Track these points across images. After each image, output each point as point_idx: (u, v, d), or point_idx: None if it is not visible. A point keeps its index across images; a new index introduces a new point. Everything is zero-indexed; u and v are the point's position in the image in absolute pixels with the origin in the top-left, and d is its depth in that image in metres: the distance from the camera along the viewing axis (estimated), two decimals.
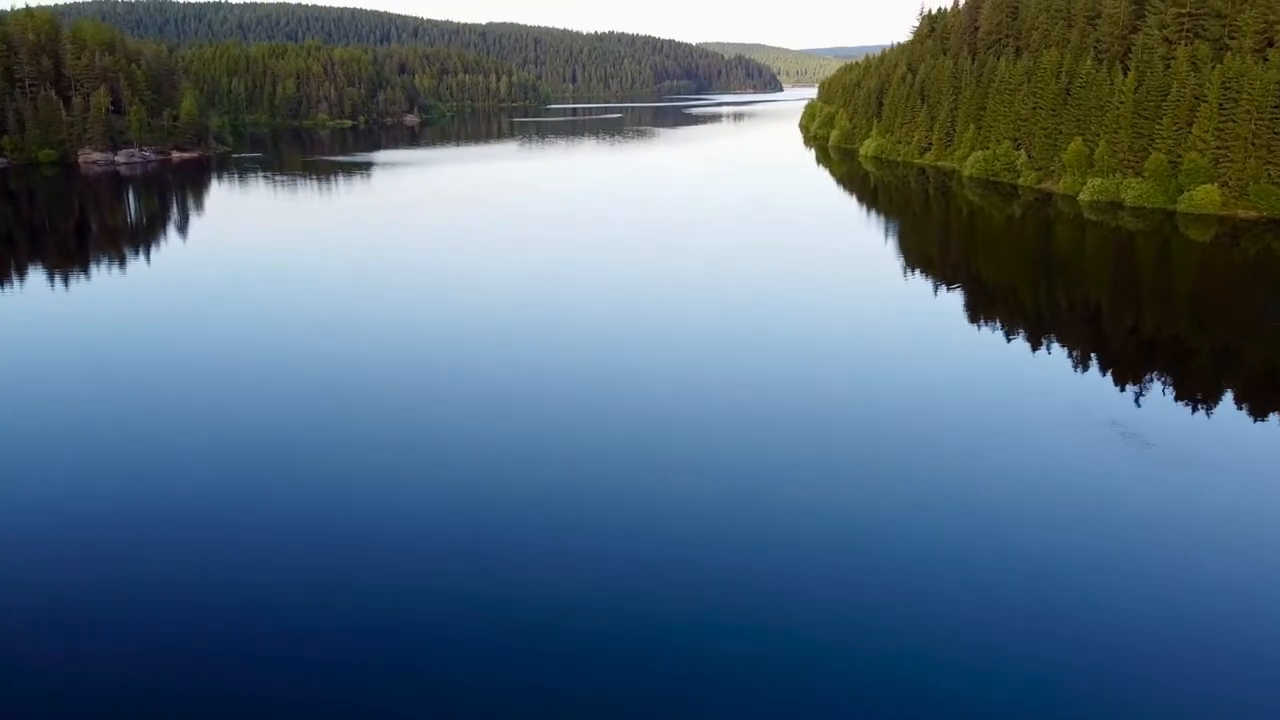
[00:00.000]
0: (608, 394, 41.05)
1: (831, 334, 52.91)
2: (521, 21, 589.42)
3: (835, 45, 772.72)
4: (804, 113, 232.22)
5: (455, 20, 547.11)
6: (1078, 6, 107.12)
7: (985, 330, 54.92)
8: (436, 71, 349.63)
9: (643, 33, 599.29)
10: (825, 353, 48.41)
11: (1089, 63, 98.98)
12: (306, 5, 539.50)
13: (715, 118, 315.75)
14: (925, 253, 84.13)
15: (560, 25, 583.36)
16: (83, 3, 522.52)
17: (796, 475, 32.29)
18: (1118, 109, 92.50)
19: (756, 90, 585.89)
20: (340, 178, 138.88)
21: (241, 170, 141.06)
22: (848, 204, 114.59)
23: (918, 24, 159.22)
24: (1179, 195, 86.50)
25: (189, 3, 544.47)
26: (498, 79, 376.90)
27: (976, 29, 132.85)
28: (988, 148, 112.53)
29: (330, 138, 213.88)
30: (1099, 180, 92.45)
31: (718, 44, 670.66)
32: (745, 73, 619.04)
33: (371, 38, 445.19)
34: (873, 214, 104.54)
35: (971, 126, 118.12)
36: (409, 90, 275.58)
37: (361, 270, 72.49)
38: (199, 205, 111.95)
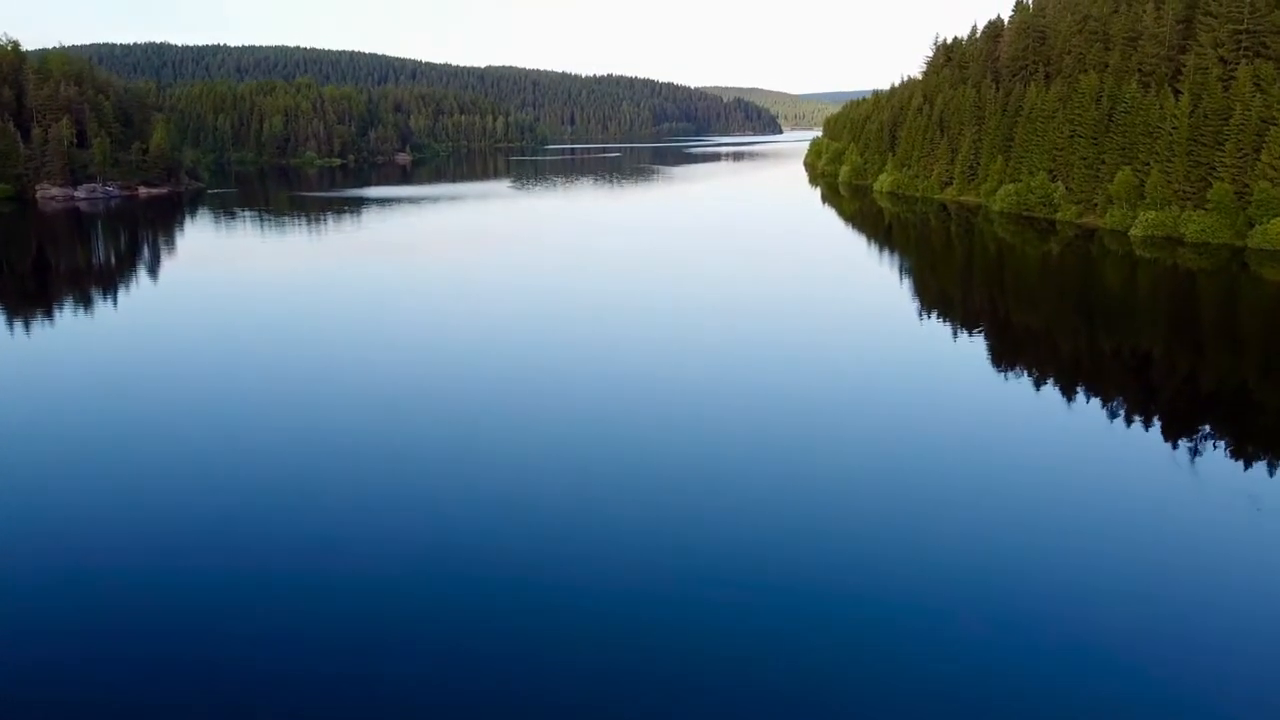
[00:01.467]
0: (614, 422, 38.32)
1: (842, 373, 46.75)
2: (520, 65, 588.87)
3: (834, 90, 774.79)
4: (809, 150, 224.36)
5: (454, 64, 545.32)
6: (1116, 28, 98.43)
7: (1012, 377, 47.29)
8: (432, 112, 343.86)
9: (641, 75, 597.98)
10: (835, 394, 42.98)
11: (1134, 86, 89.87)
12: (305, 48, 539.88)
13: (716, 157, 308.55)
14: (945, 293, 74.50)
15: (559, 69, 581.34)
16: (81, 45, 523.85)
17: (802, 526, 28.51)
18: (1170, 135, 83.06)
19: (756, 132, 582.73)
20: (315, 214, 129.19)
21: (213, 207, 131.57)
22: (861, 241, 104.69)
23: (931, 54, 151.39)
24: (1249, 229, 76.59)
25: (187, 46, 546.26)
26: (494, 119, 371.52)
27: (997, 57, 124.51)
28: (1019, 180, 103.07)
29: (317, 176, 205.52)
30: (1154, 213, 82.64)
31: (716, 88, 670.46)
32: (744, 115, 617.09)
33: (369, 80, 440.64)
34: (887, 252, 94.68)
35: (999, 158, 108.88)
36: (401, 128, 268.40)
37: (336, 308, 62.59)
38: (151, 245, 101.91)
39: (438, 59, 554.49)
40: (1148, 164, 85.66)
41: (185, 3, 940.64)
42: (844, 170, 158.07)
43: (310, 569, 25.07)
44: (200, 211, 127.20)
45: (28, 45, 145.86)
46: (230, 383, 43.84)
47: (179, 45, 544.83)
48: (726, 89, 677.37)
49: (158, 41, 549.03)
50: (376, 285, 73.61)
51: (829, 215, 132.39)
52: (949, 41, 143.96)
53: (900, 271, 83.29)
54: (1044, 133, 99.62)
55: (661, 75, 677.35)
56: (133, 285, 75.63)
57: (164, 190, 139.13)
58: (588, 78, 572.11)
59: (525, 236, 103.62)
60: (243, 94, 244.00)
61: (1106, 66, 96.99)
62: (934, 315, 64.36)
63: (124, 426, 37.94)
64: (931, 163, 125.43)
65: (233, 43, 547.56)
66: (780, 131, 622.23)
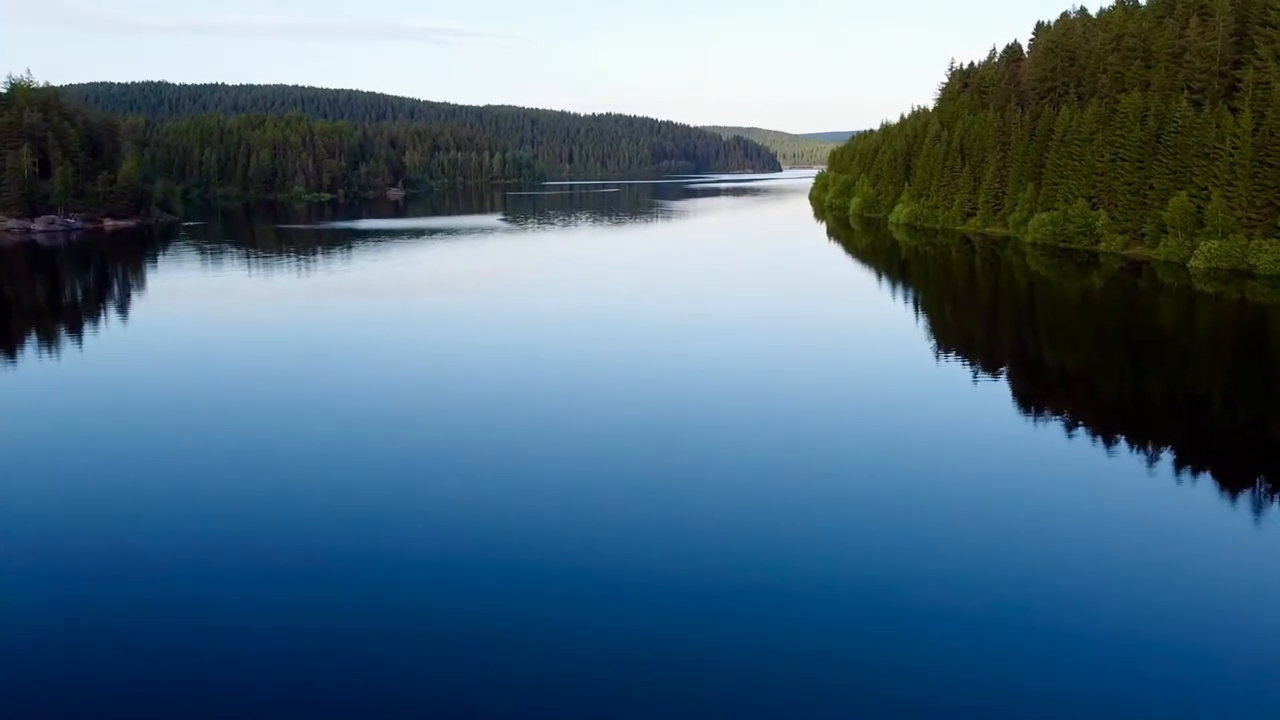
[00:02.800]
0: (621, 451, 35.72)
1: (854, 411, 42.08)
2: (519, 104, 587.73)
3: (831, 130, 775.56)
4: (815, 184, 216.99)
5: (452, 102, 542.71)
6: (1157, 44, 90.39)
7: (1042, 421, 41.37)
8: (428, 148, 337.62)
9: (641, 114, 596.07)
10: (846, 432, 38.69)
11: (1184, 104, 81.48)
12: (302, 87, 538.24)
13: (716, 193, 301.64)
14: (968, 331, 66.01)
15: (558, 108, 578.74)
16: (77, 84, 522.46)
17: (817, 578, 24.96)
18: (1231, 156, 74.44)
19: (755, 170, 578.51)
20: (289, 248, 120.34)
21: (182, 241, 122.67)
22: (876, 276, 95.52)
23: (946, 80, 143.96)
24: None
25: (183, 84, 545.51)
26: (491, 155, 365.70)
27: (1018, 80, 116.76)
28: (1054, 208, 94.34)
29: (305, 210, 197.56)
30: (1216, 243, 73.64)
31: (715, 127, 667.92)
32: (744, 153, 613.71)
33: (367, 118, 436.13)
34: (904, 287, 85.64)
35: (1029, 185, 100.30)
36: (394, 163, 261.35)
37: (303, 345, 53.46)
38: (99, 281, 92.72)
39: (436, 98, 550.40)
40: (1205, 188, 76.90)
41: (183, 44, 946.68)
42: (855, 202, 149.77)
43: (310, 611, 23.04)
44: (168, 246, 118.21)
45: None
46: (191, 436, 37.19)
47: (175, 84, 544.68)
48: (725, 128, 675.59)
49: (154, 80, 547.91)
50: (343, 329, 64.17)
51: (841, 249, 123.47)
52: (965, 67, 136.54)
53: (918, 307, 74.65)
54: (1081, 157, 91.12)
55: (661, 114, 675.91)
56: (68, 325, 66.16)
57: (131, 223, 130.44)
58: (586, 116, 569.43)
59: (510, 276, 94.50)
60: (231, 128, 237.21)
61: (1149, 85, 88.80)
62: (955, 354, 56.47)
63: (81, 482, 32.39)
64: (952, 192, 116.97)
65: (230, 82, 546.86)
66: (780, 169, 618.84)
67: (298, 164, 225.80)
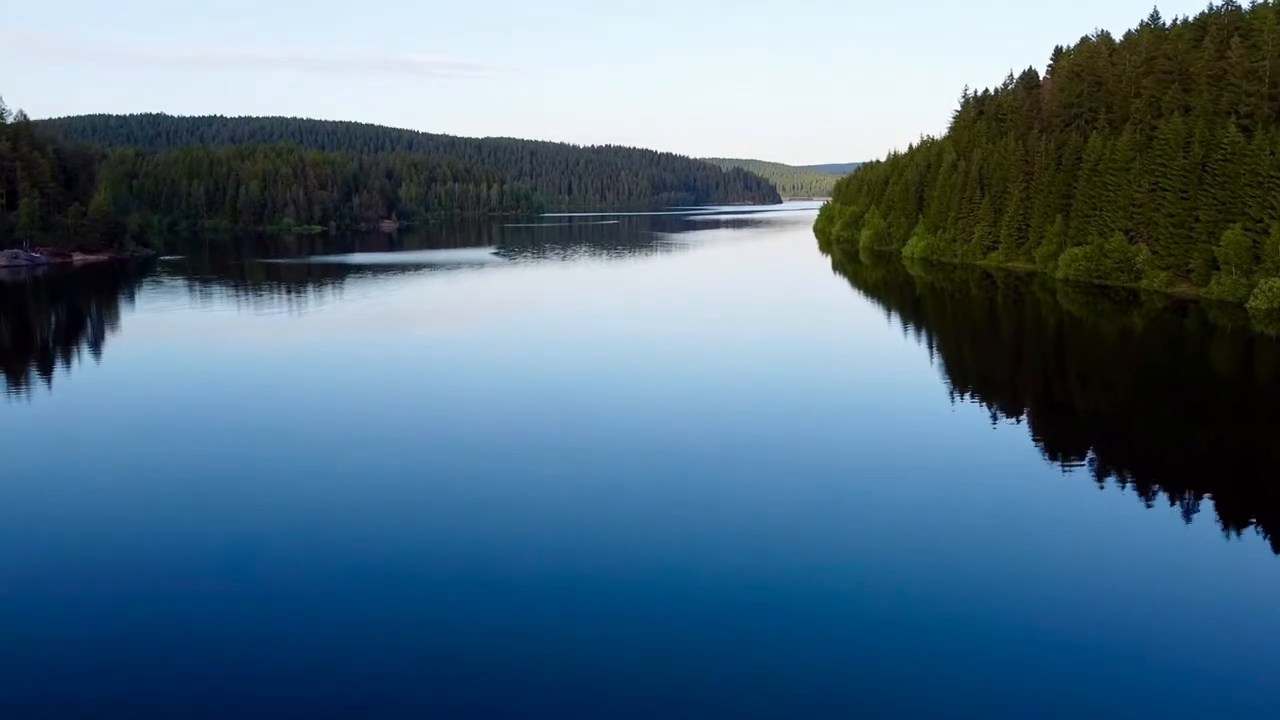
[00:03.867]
0: (631, 486, 33.51)
1: (866, 450, 38.99)
2: (519, 136, 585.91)
3: (830, 162, 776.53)
4: (820, 216, 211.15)
5: (452, 134, 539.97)
6: (1197, 65, 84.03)
7: (1070, 467, 37.16)
8: (425, 179, 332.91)
9: (640, 146, 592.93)
10: (852, 473, 35.73)
11: (1232, 130, 74.87)
12: (301, 119, 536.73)
13: (717, 225, 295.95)
14: (987, 371, 59.89)
15: (558, 140, 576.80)
16: (76, 116, 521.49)
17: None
18: None
19: (755, 202, 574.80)
20: (270, 283, 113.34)
21: (157, 276, 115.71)
22: (889, 314, 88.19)
23: (959, 108, 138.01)
24: None
25: (182, 116, 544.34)
26: (489, 187, 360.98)
27: (1038, 107, 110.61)
28: (1086, 241, 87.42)
29: (295, 243, 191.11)
30: (1279, 281, 66.56)
31: (715, 159, 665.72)
32: (744, 185, 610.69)
33: (366, 150, 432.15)
34: (918, 325, 78.63)
35: (1057, 217, 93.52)
36: (387, 194, 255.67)
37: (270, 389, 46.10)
38: (56, 320, 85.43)
39: (436, 130, 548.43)
40: (1261, 220, 69.99)
41: (185, 78, 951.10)
42: (865, 235, 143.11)
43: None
44: (140, 281, 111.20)
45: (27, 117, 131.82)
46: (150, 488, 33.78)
47: (174, 116, 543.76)
48: (725, 160, 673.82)
49: (153, 112, 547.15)
50: (326, 364, 56.74)
51: (851, 284, 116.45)
52: (979, 94, 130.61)
53: (936, 346, 68.13)
54: (1117, 186, 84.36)
55: (660, 146, 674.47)
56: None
57: (104, 257, 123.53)
58: (586, 148, 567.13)
59: (488, 322, 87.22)
60: (220, 158, 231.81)
61: (1189, 110, 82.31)
62: (975, 394, 51.50)
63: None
64: (971, 225, 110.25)
65: (230, 114, 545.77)
66: (780, 201, 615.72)
67: (288, 195, 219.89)
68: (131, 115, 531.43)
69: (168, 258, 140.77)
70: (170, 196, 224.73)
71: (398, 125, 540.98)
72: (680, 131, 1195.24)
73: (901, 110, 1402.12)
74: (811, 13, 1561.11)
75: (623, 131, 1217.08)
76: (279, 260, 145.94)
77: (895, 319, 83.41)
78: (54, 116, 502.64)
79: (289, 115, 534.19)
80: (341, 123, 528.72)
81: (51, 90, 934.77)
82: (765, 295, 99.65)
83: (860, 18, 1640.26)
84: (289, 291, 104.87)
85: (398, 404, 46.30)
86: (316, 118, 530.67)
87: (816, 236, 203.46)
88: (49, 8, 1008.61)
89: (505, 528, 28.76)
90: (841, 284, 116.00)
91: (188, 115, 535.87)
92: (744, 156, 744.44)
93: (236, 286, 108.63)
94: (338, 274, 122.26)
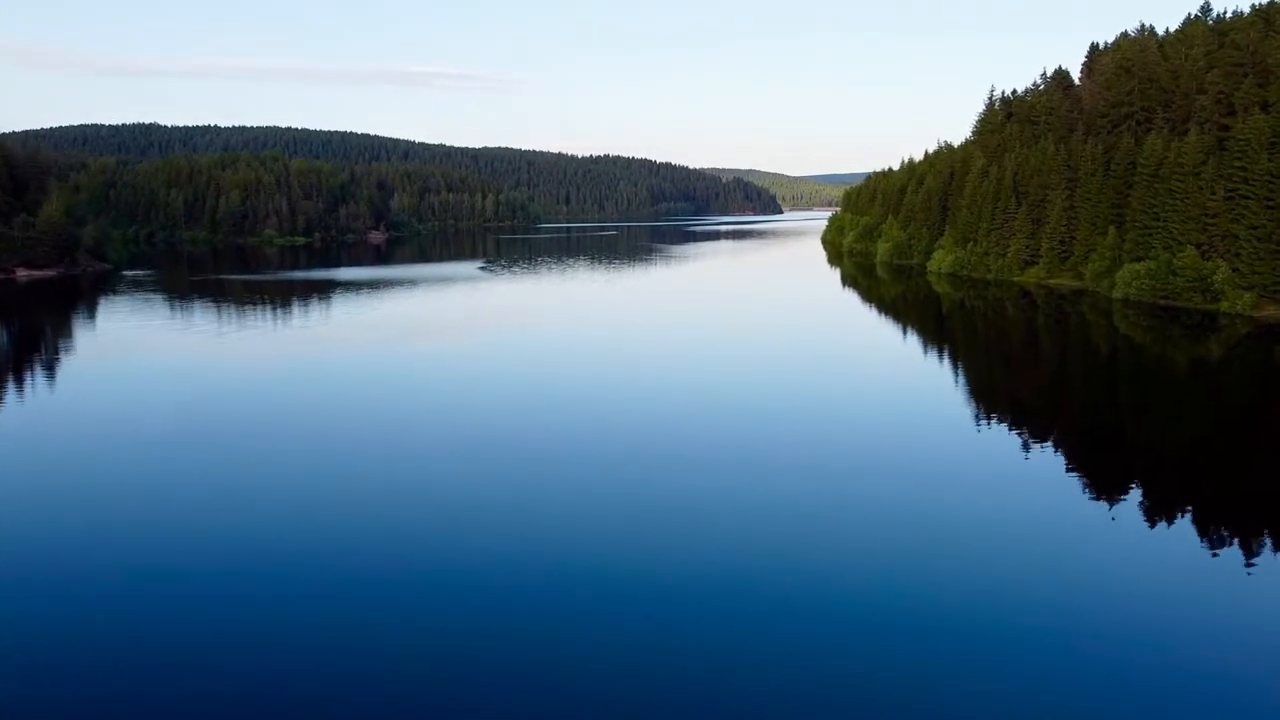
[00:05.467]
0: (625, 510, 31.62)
1: (890, 479, 34.68)
2: (516, 146, 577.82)
3: (832, 172, 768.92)
4: (829, 227, 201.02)
5: (448, 144, 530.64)
6: (1276, 57, 73.77)
7: (1123, 511, 31.79)
8: (418, 189, 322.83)
9: (639, 156, 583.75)
10: (871, 504, 31.63)
11: None
12: (295, 129, 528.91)
13: (718, 236, 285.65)
14: (1025, 401, 50.34)
15: (555, 150, 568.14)
16: (66, 127, 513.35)
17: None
18: None
19: (756, 212, 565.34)
20: (234, 303, 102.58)
21: (110, 294, 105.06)
22: (912, 337, 77.56)
23: (983, 111, 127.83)
24: None
25: (175, 126, 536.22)
26: (484, 197, 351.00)
27: (1079, 106, 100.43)
28: (1147, 256, 76.93)
29: (278, 255, 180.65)
30: None
31: (714, 169, 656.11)
32: (744, 195, 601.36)
33: (361, 160, 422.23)
34: (951, 350, 68.35)
35: (1110, 229, 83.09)
36: (376, 205, 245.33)
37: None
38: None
39: (433, 140, 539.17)
40: None
41: (181, 88, 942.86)
42: (883, 248, 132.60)
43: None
44: (84, 302, 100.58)
45: (15, 128, 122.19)
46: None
47: (167, 126, 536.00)
48: (724, 170, 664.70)
49: (145, 122, 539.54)
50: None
51: (872, 303, 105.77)
52: (1008, 95, 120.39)
53: (965, 374, 59.28)
54: (1184, 194, 73.92)
55: (659, 155, 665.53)
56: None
57: (52, 273, 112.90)
58: (584, 158, 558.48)
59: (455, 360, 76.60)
60: (201, 167, 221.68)
61: (1267, 106, 71.99)
62: (1014, 427, 44.45)
63: None
64: (1006, 237, 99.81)
65: (223, 124, 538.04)
66: (781, 211, 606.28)
67: (270, 205, 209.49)
68: (123, 125, 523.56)
69: (130, 273, 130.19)
70: (148, 207, 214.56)
71: (395, 135, 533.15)
72: (680, 141, 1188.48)
73: (904, 119, 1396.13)
74: (812, 22, 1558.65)
75: (621, 141, 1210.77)
76: (243, 276, 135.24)
77: (921, 343, 73.19)
78: (42, 128, 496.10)
79: (284, 125, 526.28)
80: (337, 132, 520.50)
81: (45, 101, 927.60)
82: (779, 317, 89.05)
83: (861, 28, 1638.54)
84: (228, 313, 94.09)
85: (398, 416, 45.18)
86: (311, 127, 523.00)
87: (826, 248, 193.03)
88: (43, 17, 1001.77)
89: (504, 529, 29.10)
90: (859, 302, 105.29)
91: (181, 125, 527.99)
92: (744, 166, 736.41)
93: (176, 308, 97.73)
94: (301, 292, 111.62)
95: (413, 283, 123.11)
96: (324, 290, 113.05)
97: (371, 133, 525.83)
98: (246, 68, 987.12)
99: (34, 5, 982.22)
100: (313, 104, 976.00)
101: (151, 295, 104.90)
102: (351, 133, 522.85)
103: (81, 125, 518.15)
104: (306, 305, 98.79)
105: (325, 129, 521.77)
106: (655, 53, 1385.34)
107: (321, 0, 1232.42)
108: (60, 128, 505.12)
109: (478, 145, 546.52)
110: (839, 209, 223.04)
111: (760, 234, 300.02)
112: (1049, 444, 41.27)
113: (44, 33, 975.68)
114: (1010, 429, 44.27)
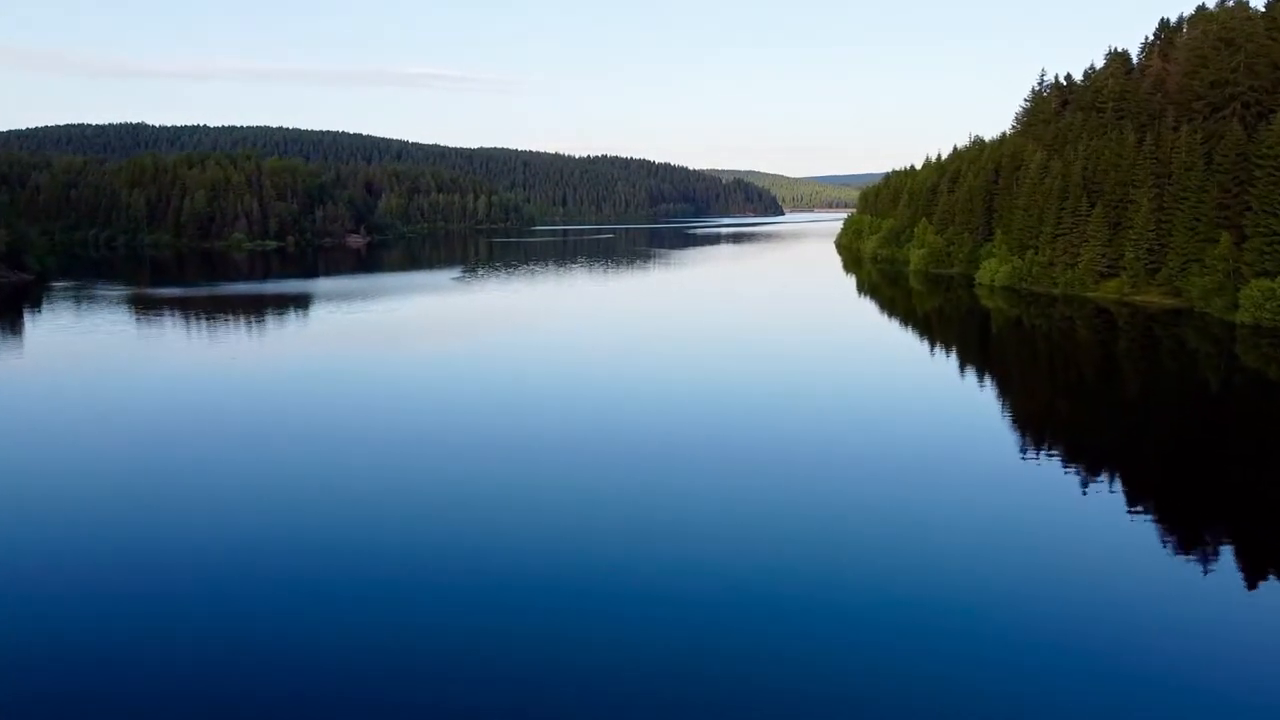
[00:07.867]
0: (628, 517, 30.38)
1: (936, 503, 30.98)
2: (512, 146, 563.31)
3: (833, 173, 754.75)
4: (844, 230, 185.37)
5: (442, 144, 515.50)
6: None
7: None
8: (406, 190, 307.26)
9: (637, 156, 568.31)
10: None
11: None
12: (286, 128, 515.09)
13: (722, 239, 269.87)
14: (1106, 446, 37.65)
15: (552, 150, 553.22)
16: (52, 126, 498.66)
17: None
18: None
19: (757, 213, 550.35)
20: (187, 317, 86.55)
21: (33, 310, 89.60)
22: (956, 363, 61.88)
23: (1030, 98, 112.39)
24: None
25: (163, 126, 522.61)
26: (476, 198, 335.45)
27: (1165, 88, 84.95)
28: (1276, 271, 61.44)
29: (247, 261, 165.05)
30: None
31: (714, 170, 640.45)
32: (745, 196, 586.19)
33: (354, 161, 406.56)
34: (997, 382, 53.12)
35: (1222, 235, 67.61)
36: (358, 206, 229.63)
37: None
38: None
39: (427, 140, 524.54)
40: None
41: (175, 89, 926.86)
42: (917, 255, 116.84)
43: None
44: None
45: (4, 128, 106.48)
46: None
47: (155, 125, 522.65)
48: (724, 171, 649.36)
49: (133, 122, 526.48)
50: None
51: (917, 318, 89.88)
52: (1064, 81, 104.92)
53: (1028, 416, 45.74)
54: None
55: (658, 156, 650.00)
56: None
57: None
58: (581, 158, 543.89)
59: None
60: (166, 166, 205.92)
61: None
62: (1092, 478, 35.74)
63: None
64: (1076, 244, 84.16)
65: (213, 123, 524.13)
66: (782, 212, 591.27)
67: (240, 207, 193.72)
68: (110, 125, 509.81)
69: (60, 283, 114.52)
70: (109, 209, 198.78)
71: (387, 135, 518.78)
72: (679, 142, 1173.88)
73: (905, 119, 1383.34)
74: (813, 22, 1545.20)
75: (619, 141, 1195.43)
76: (178, 290, 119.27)
77: (960, 370, 58.12)
78: (30, 127, 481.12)
79: (275, 125, 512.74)
80: (328, 132, 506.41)
81: (43, 103, 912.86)
82: (808, 337, 73.32)
83: (863, 27, 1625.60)
84: (141, 333, 77.99)
85: (398, 416, 44.14)
86: (302, 126, 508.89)
87: (841, 254, 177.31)
88: (35, 18, 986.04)
89: (504, 528, 28.92)
90: (912, 332, 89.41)
91: (170, 125, 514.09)
92: (744, 167, 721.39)
93: (86, 328, 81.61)
94: (243, 309, 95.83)
95: (360, 297, 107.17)
96: (283, 307, 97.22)
97: (364, 133, 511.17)
98: (246, 69, 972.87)
99: (28, 5, 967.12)
100: (313, 105, 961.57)
101: (49, 314, 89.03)
102: (343, 133, 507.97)
103: (67, 125, 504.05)
104: (255, 333, 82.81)
105: (316, 128, 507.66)
106: (654, 53, 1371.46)
107: (322, 1, 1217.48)
108: (45, 128, 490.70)
109: (473, 145, 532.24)
110: (853, 211, 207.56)
111: (764, 237, 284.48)
112: (1139, 506, 32.02)
113: (34, 32, 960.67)
114: (1099, 481, 35.18)
